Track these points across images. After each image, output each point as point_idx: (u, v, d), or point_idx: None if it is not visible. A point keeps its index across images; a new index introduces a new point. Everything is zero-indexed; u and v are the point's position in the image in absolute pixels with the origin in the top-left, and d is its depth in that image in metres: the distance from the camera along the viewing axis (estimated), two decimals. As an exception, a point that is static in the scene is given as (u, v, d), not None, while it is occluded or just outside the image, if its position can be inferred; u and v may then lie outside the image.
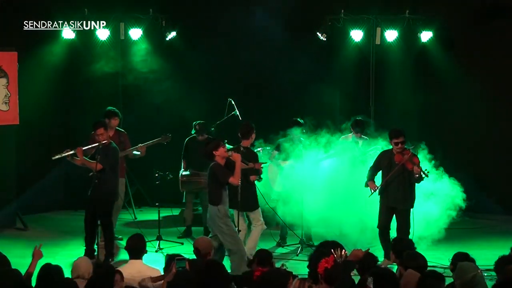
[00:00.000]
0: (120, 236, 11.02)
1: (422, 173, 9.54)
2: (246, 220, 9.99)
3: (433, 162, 10.35)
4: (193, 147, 11.37)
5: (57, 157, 9.93)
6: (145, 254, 7.35)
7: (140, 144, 11.03)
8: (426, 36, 12.99)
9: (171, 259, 6.47)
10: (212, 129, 12.03)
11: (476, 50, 13.20)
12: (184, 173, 11.39)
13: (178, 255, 6.54)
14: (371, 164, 10.00)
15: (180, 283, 5.89)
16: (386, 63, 13.41)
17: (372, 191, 9.79)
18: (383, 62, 13.39)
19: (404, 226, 9.65)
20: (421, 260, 6.62)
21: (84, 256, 7.77)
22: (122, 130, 11.20)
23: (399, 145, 9.64)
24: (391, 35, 12.97)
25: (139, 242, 7.22)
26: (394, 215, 9.79)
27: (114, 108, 11.13)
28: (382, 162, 9.81)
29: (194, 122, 11.47)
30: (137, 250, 7.15)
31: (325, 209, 10.76)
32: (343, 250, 6.22)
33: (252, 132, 9.90)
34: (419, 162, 9.61)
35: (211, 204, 8.85)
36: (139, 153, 11.13)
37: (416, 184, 9.78)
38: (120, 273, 6.18)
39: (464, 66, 13.07)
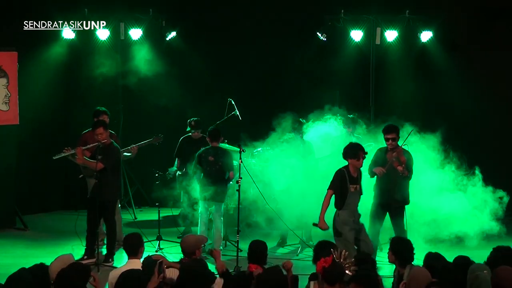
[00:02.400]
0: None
1: (402, 172, 9.44)
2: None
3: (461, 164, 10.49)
4: (188, 145, 11.33)
5: (57, 156, 9.94)
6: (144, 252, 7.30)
7: (132, 145, 11.02)
8: (426, 36, 13.00)
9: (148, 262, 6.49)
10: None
11: (476, 50, 13.21)
12: (180, 173, 11.37)
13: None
14: (370, 162, 9.93)
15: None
16: (386, 63, 13.43)
17: (382, 172, 9.55)
18: (383, 62, 13.40)
19: (400, 223, 9.64)
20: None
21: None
22: (112, 132, 11.14)
23: (390, 141, 9.55)
24: (391, 35, 12.99)
25: (134, 239, 7.13)
26: (388, 213, 9.74)
27: (101, 107, 11.03)
28: (378, 160, 9.72)
29: (189, 119, 11.47)
30: (133, 247, 7.07)
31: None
32: (343, 250, 6.22)
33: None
34: (405, 160, 9.50)
35: (336, 208, 8.93)
36: (130, 154, 11.10)
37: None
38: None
39: (464, 66, 13.08)
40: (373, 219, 9.68)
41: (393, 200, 9.61)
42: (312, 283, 6.26)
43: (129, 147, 11.04)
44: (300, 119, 10.86)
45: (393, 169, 9.52)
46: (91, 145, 9.97)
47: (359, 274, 5.80)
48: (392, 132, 9.57)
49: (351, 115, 11.04)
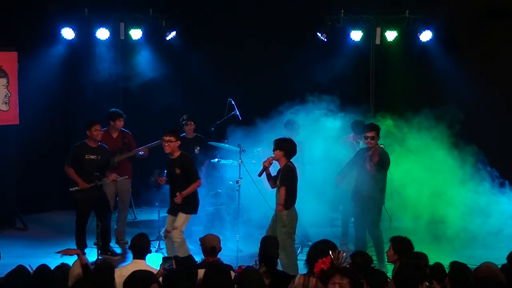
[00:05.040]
0: (126, 239, 11.02)
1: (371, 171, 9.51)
2: None
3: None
4: (182, 146, 11.29)
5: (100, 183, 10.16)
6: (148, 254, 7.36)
7: (143, 146, 11.05)
8: (426, 36, 13.00)
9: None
10: (212, 129, 12.04)
11: (477, 50, 13.20)
12: None
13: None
14: (348, 161, 10.05)
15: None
16: (386, 63, 13.42)
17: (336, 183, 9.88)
18: (383, 62, 13.39)
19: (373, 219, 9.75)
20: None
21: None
22: (127, 130, 11.21)
23: (368, 140, 9.64)
24: (391, 35, 12.99)
25: (143, 241, 7.23)
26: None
27: (117, 110, 11.13)
28: (358, 159, 9.83)
29: (181, 117, 11.51)
30: (140, 249, 7.16)
31: (324, 209, 10.79)
32: (341, 252, 6.24)
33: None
34: (377, 161, 9.56)
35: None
36: (142, 153, 11.15)
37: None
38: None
39: (464, 66, 13.07)
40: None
41: (360, 194, 9.71)
42: (298, 276, 6.31)
43: (140, 148, 11.05)
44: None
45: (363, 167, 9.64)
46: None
47: (342, 266, 5.88)
48: (371, 131, 9.66)
49: (358, 118, 11.01)
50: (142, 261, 7.12)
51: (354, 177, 9.90)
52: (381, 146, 9.73)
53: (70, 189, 10.07)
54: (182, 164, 9.45)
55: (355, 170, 9.86)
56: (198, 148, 11.33)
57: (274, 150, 8.98)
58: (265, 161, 9.02)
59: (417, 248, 7.01)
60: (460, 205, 10.61)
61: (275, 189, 9.10)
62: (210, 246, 7.29)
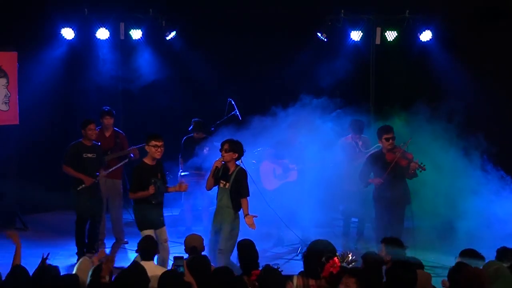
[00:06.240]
0: (126, 239, 11.08)
1: (419, 167, 9.46)
2: None
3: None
4: (190, 145, 11.33)
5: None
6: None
7: (133, 147, 11.05)
8: (426, 36, 13.00)
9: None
10: (212, 129, 12.04)
11: (476, 49, 13.20)
12: (182, 173, 11.36)
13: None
14: (362, 169, 9.87)
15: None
16: (386, 63, 13.42)
17: (378, 184, 9.59)
18: (383, 62, 13.39)
19: (400, 223, 9.62)
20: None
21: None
22: (121, 131, 11.21)
23: (390, 141, 9.59)
24: (391, 35, 13.00)
25: (150, 244, 7.51)
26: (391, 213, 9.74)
27: (106, 107, 11.12)
28: (374, 165, 9.70)
29: (193, 119, 11.49)
30: (148, 251, 7.43)
31: (324, 209, 10.79)
32: (348, 252, 6.27)
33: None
34: (413, 157, 9.55)
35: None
36: (133, 155, 11.15)
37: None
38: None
39: (464, 66, 13.08)
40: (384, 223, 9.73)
41: (396, 202, 9.60)
42: (295, 277, 6.33)
43: (129, 149, 11.04)
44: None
45: (395, 171, 9.52)
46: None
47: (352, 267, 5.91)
48: (391, 132, 9.64)
49: (357, 118, 10.99)
50: (151, 262, 7.38)
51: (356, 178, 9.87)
52: (401, 145, 9.63)
53: (78, 188, 10.07)
54: (162, 169, 9.15)
55: (370, 175, 9.77)
56: (207, 149, 11.32)
57: (227, 152, 8.81)
58: (217, 162, 8.89)
59: (428, 249, 7.00)
60: (472, 206, 10.58)
61: (224, 187, 8.90)
62: (190, 246, 7.55)
